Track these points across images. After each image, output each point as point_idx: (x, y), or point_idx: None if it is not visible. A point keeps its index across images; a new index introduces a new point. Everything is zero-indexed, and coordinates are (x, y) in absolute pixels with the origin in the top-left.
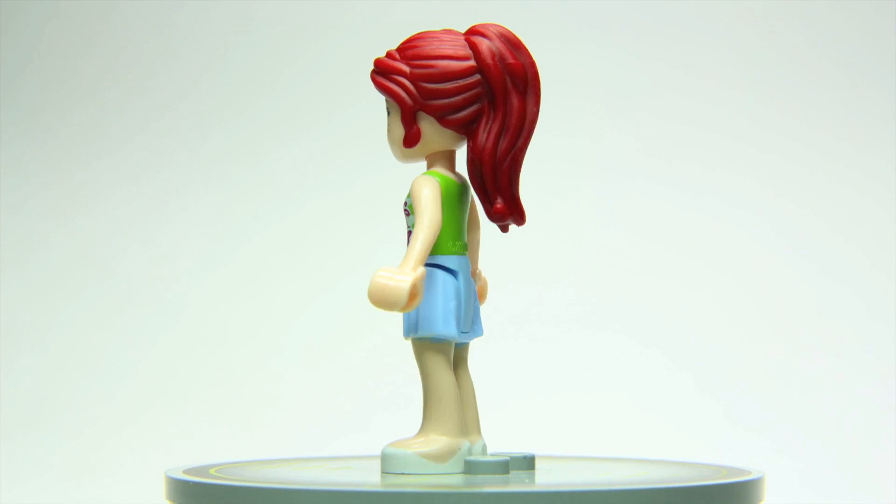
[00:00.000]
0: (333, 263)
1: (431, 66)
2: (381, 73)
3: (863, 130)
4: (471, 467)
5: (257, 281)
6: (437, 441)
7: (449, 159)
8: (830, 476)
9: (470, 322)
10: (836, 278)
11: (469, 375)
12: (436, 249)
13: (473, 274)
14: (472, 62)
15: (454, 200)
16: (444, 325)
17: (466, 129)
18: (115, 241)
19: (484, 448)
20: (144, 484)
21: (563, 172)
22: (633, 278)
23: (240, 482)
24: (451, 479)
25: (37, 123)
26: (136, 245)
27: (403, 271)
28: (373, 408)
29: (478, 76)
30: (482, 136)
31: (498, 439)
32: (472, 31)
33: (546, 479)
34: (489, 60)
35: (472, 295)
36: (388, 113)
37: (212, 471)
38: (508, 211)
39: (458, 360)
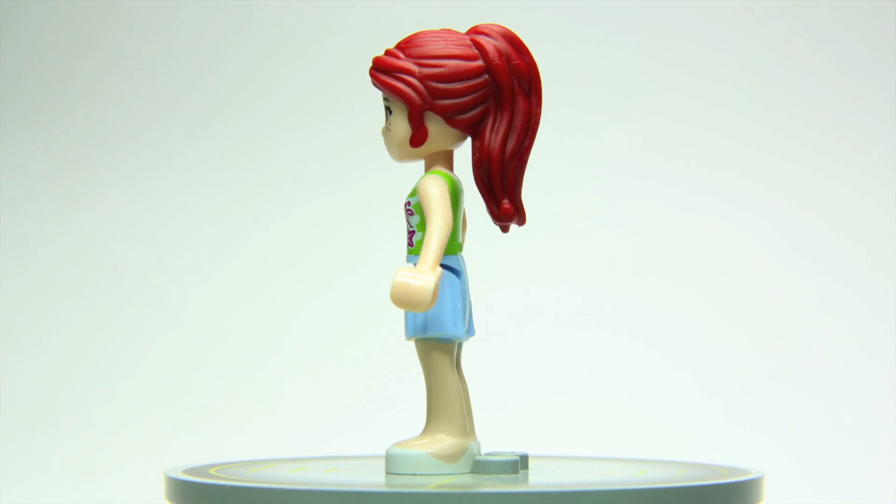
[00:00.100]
0: (333, 263)
1: (441, 66)
2: (385, 71)
3: (863, 130)
4: (481, 467)
5: (257, 280)
6: (446, 441)
7: (449, 159)
8: (830, 476)
9: (468, 322)
10: (836, 278)
11: (463, 375)
12: None
13: None
14: (480, 62)
15: (457, 201)
16: (453, 325)
17: (472, 130)
18: (115, 241)
19: (479, 448)
20: (144, 484)
21: (563, 172)
22: (632, 278)
23: (240, 482)
24: (464, 479)
25: (37, 123)
26: (136, 245)
27: (425, 271)
28: (373, 408)
29: (486, 76)
30: (490, 137)
31: (498, 439)
32: (476, 31)
33: (546, 479)
34: (497, 61)
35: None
36: (389, 112)
37: (212, 471)
38: (515, 211)
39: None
